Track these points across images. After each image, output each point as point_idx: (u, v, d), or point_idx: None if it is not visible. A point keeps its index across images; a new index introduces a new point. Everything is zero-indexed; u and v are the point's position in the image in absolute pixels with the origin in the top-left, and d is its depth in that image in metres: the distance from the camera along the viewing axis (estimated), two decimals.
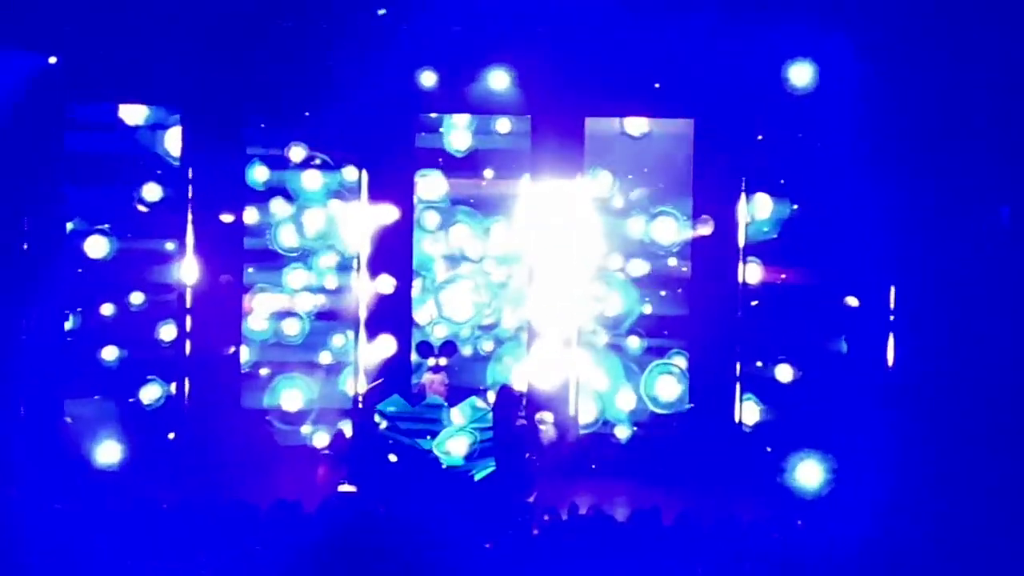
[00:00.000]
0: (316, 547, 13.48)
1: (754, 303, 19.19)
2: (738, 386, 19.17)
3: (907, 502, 15.59)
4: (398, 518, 14.59)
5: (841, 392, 18.48)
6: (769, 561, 13.36)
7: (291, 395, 20.08)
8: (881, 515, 14.62)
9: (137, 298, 19.74)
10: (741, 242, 19.13)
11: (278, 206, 20.14)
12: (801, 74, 18.13)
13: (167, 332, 19.77)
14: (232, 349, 19.53)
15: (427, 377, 18.62)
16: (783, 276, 19.02)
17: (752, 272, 19.18)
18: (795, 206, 18.94)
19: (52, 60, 18.55)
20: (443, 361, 18.73)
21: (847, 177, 18.23)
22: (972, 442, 17.21)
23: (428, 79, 18.94)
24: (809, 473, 18.08)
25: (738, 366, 19.16)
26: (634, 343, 20.06)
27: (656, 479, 18.61)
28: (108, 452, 18.73)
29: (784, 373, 19.07)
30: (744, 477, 18.28)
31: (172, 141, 19.55)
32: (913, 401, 17.79)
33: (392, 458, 17.32)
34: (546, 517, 15.18)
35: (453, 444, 17.49)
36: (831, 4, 17.60)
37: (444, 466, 17.28)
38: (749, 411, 19.15)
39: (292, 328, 20.24)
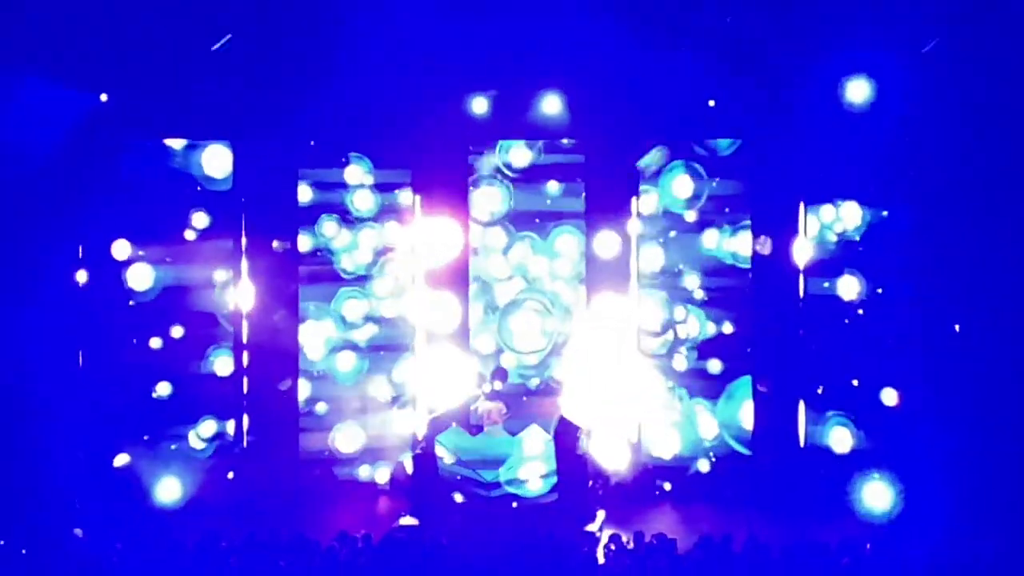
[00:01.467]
0: None
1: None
2: (802, 406, 18.88)
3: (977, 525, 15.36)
4: (460, 550, 14.46)
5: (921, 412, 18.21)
6: None
7: (348, 435, 19.84)
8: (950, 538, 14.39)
9: (183, 331, 19.53)
10: (801, 259, 18.90)
11: (331, 228, 19.89)
12: (857, 90, 18.09)
13: (222, 366, 19.65)
14: (288, 383, 19.42)
15: (484, 406, 18.48)
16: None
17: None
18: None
19: (103, 98, 18.61)
20: (498, 386, 18.58)
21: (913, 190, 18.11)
22: None
23: (480, 106, 18.90)
24: (879, 496, 17.84)
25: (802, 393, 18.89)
26: (714, 366, 19.66)
27: (726, 506, 18.36)
28: (168, 491, 18.70)
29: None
30: (813, 501, 18.01)
31: (211, 161, 19.39)
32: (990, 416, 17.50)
33: (458, 498, 17.17)
34: (612, 546, 14.99)
35: (526, 472, 17.35)
36: (880, 20, 17.53)
37: (506, 493, 17.14)
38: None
39: (348, 363, 19.98)
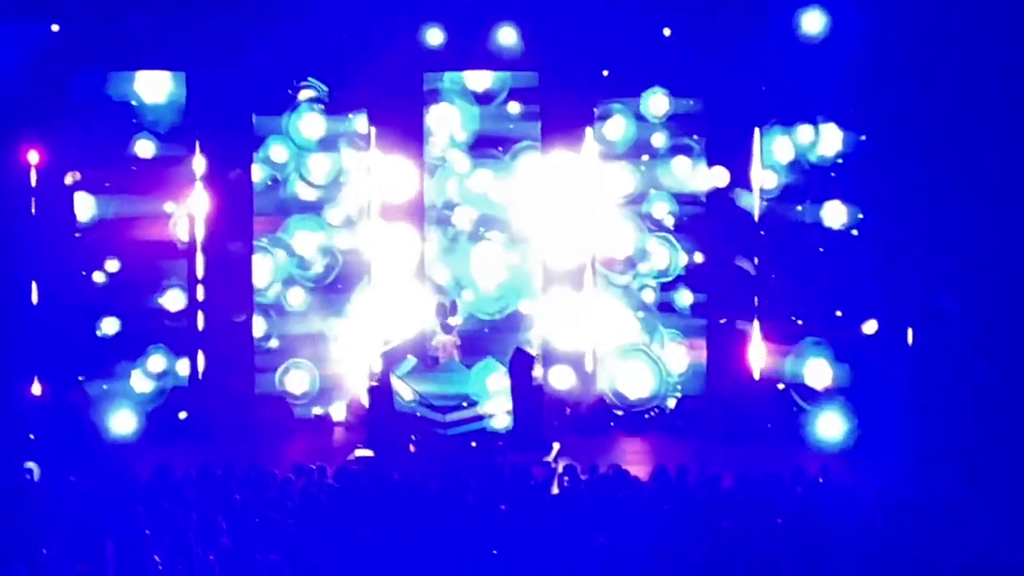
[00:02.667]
0: (333, 512, 13.35)
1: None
2: (757, 337, 18.88)
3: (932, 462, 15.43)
4: (415, 481, 14.47)
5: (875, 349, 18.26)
6: (793, 516, 13.22)
7: (303, 373, 19.69)
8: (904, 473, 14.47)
9: (135, 263, 19.31)
10: (755, 184, 18.85)
11: (280, 154, 19.62)
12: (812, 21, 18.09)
13: (174, 300, 19.47)
14: (243, 317, 19.29)
15: (439, 339, 18.47)
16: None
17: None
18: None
19: (55, 28, 18.41)
20: (453, 321, 18.55)
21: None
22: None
23: (435, 36, 18.76)
24: (833, 427, 17.95)
25: (756, 322, 18.90)
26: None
27: (682, 438, 18.44)
28: (121, 424, 18.63)
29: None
30: (768, 433, 18.11)
31: (163, 91, 19.17)
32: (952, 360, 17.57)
33: (412, 442, 17.16)
34: (566, 478, 15.02)
35: (491, 407, 17.36)
36: None
37: (462, 429, 17.16)
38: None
39: (302, 297, 19.82)
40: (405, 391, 17.40)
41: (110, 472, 14.95)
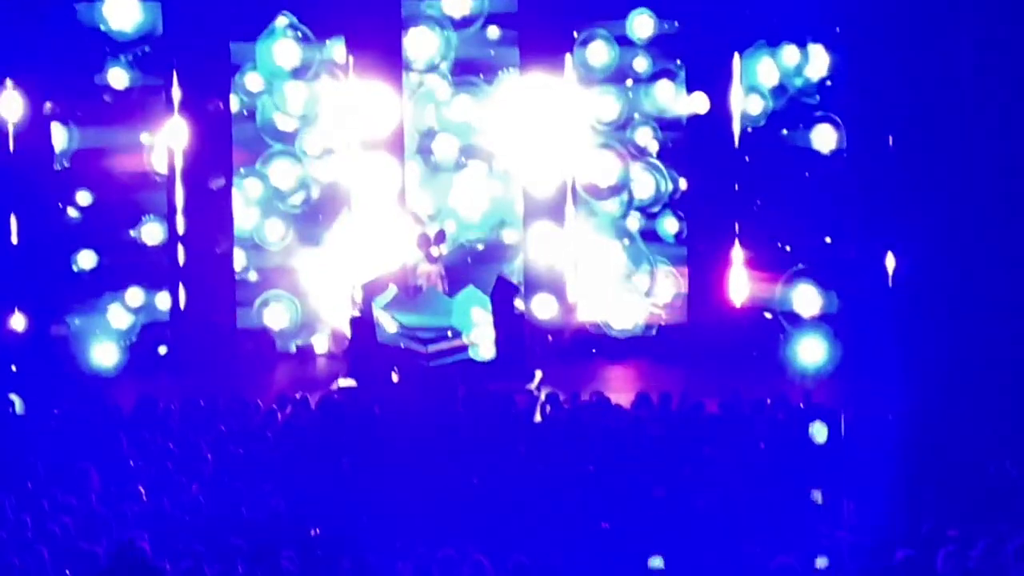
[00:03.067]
0: (316, 442, 13.39)
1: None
2: (740, 264, 18.82)
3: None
4: (398, 410, 14.51)
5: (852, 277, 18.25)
6: (775, 441, 13.29)
7: (283, 306, 19.57)
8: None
9: (110, 196, 19.13)
10: (735, 109, 18.74)
11: (256, 82, 19.42)
12: None
13: (152, 234, 19.36)
14: (221, 182, 18.98)
15: (422, 268, 18.44)
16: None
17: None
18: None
19: None
20: (436, 251, 18.51)
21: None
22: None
23: None
24: (814, 353, 17.98)
25: (737, 244, 18.83)
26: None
27: (664, 365, 18.47)
28: (104, 357, 18.60)
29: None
30: (750, 360, 18.10)
31: (137, 19, 18.97)
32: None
33: (395, 376, 17.15)
34: (547, 406, 15.08)
35: (476, 337, 17.35)
36: None
37: (446, 360, 17.15)
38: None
39: (281, 229, 19.62)
40: (388, 323, 17.38)
41: (93, 405, 14.96)
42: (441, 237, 18.73)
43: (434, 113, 19.71)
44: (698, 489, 11.81)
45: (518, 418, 14.54)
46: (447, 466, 12.39)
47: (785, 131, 18.83)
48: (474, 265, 19.61)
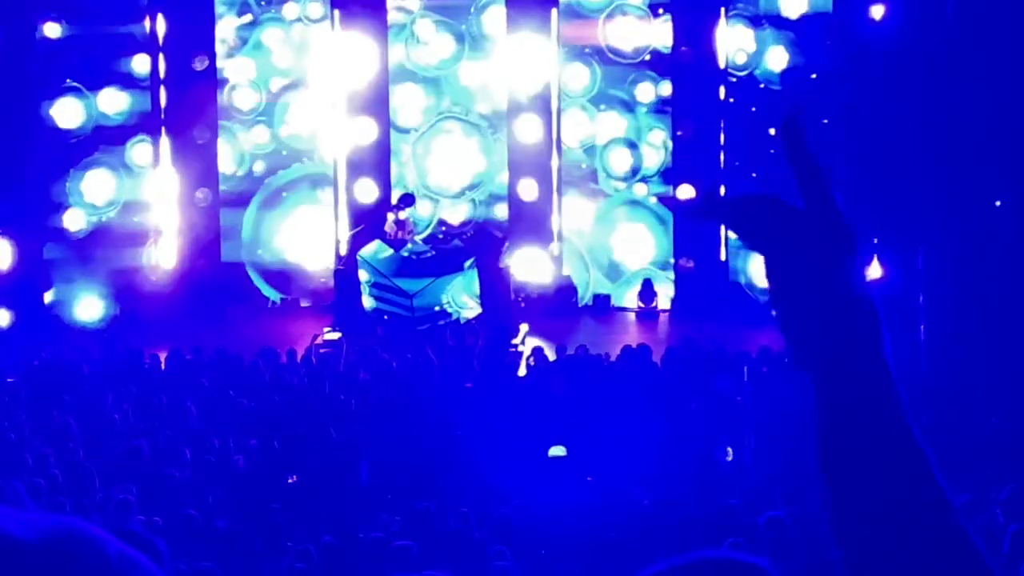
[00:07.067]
0: (300, 394, 13.39)
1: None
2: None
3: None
4: (383, 364, 14.50)
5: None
6: (756, 393, 13.33)
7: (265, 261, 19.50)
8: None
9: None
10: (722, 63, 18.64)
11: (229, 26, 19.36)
12: None
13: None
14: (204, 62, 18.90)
15: (390, 223, 18.02)
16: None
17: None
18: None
19: None
20: (403, 215, 18.12)
21: None
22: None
23: None
24: None
25: (723, 188, 18.72)
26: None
27: (648, 320, 18.47)
28: (89, 310, 18.53)
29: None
30: (733, 313, 18.06)
31: None
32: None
33: (382, 323, 17.07)
34: (532, 359, 15.08)
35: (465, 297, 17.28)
36: None
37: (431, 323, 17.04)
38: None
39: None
40: (368, 275, 17.25)
41: (77, 356, 14.93)
42: (409, 199, 18.34)
43: (417, 66, 19.60)
44: (682, 443, 11.89)
45: (504, 372, 14.56)
46: (432, 418, 12.42)
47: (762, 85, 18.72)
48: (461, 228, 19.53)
